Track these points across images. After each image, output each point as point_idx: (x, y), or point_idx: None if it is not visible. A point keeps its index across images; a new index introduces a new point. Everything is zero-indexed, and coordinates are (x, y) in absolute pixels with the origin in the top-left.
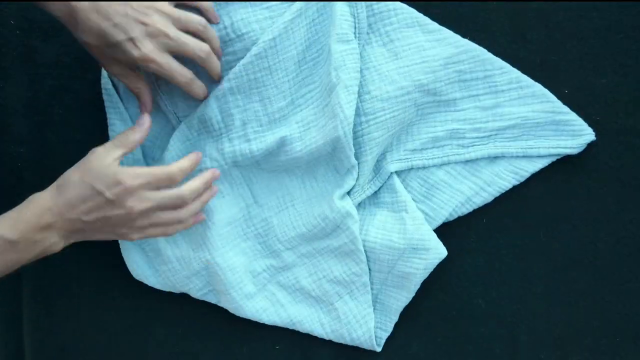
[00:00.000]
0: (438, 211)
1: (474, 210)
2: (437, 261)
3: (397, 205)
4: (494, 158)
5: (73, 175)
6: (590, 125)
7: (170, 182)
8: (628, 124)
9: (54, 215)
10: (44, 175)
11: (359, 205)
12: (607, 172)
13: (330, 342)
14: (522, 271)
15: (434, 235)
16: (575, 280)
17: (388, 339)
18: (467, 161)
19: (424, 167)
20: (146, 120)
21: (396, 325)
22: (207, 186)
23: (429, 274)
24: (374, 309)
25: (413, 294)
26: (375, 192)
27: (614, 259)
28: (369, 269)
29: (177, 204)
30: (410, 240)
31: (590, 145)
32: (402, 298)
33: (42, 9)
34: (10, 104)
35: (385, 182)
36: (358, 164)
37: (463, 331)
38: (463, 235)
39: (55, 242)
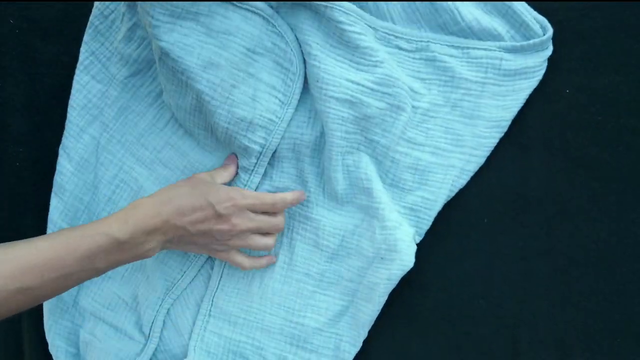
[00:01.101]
0: (437, 192)
1: (475, 210)
2: (400, 272)
3: (370, 210)
4: (469, 119)
5: (181, 187)
6: (591, 125)
7: (272, 209)
8: (629, 124)
9: (162, 220)
10: (44, 175)
11: (337, 202)
12: (609, 172)
13: None
14: (523, 271)
15: (405, 244)
16: (576, 281)
17: (388, 339)
18: (447, 131)
19: (406, 155)
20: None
21: (396, 325)
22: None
23: (394, 285)
24: (344, 322)
25: (379, 307)
26: (354, 192)
27: (615, 259)
28: (342, 277)
29: (270, 231)
30: (378, 250)
31: (591, 145)
32: (369, 311)
33: (42, 9)
34: (10, 103)
35: (362, 184)
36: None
37: (464, 331)
38: (464, 235)
39: (153, 247)
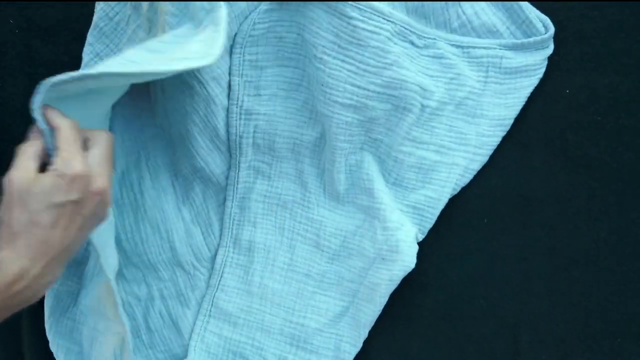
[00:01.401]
0: (441, 191)
1: (475, 210)
2: (402, 273)
3: (372, 211)
4: (473, 117)
5: (19, 219)
6: (591, 125)
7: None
8: (629, 124)
9: (29, 277)
10: None
11: (339, 203)
12: (609, 172)
13: None
14: (523, 271)
15: (407, 245)
16: (577, 281)
17: (388, 339)
18: (451, 129)
19: (410, 154)
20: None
21: (396, 325)
22: None
23: (395, 285)
24: (344, 322)
25: (380, 308)
26: (355, 192)
27: (615, 259)
28: (343, 277)
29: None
30: (379, 250)
31: (591, 145)
32: (369, 312)
33: (42, 9)
34: (10, 103)
35: (363, 184)
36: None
37: (464, 331)
38: (464, 235)
39: (34, 296)
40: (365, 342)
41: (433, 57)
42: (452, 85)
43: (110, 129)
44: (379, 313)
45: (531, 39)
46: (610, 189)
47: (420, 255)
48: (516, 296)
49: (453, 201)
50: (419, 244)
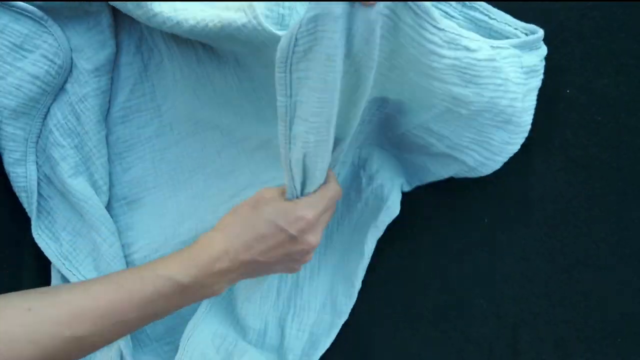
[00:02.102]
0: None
1: (475, 210)
2: (388, 219)
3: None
4: (505, 124)
5: (245, 215)
6: (591, 125)
7: (338, 199)
8: (630, 124)
9: (231, 259)
10: None
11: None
12: (609, 172)
13: (335, 347)
14: (523, 271)
15: (392, 194)
16: (576, 280)
17: (388, 339)
18: (480, 133)
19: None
20: None
21: (396, 325)
22: None
23: (381, 233)
24: (337, 279)
25: (368, 257)
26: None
27: (615, 259)
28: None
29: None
30: (366, 199)
31: (591, 145)
32: (358, 262)
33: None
34: None
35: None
36: None
37: (464, 331)
38: (464, 234)
39: (221, 287)
40: (366, 342)
41: (487, 60)
42: (499, 92)
43: (108, 123)
44: (367, 262)
45: (528, 38)
46: (610, 189)
47: (420, 255)
48: (516, 296)
49: (453, 201)
50: (418, 243)
